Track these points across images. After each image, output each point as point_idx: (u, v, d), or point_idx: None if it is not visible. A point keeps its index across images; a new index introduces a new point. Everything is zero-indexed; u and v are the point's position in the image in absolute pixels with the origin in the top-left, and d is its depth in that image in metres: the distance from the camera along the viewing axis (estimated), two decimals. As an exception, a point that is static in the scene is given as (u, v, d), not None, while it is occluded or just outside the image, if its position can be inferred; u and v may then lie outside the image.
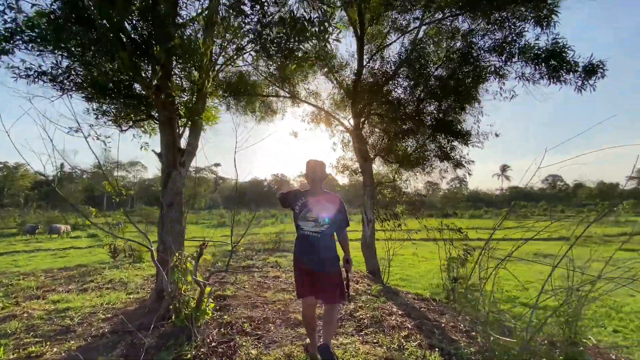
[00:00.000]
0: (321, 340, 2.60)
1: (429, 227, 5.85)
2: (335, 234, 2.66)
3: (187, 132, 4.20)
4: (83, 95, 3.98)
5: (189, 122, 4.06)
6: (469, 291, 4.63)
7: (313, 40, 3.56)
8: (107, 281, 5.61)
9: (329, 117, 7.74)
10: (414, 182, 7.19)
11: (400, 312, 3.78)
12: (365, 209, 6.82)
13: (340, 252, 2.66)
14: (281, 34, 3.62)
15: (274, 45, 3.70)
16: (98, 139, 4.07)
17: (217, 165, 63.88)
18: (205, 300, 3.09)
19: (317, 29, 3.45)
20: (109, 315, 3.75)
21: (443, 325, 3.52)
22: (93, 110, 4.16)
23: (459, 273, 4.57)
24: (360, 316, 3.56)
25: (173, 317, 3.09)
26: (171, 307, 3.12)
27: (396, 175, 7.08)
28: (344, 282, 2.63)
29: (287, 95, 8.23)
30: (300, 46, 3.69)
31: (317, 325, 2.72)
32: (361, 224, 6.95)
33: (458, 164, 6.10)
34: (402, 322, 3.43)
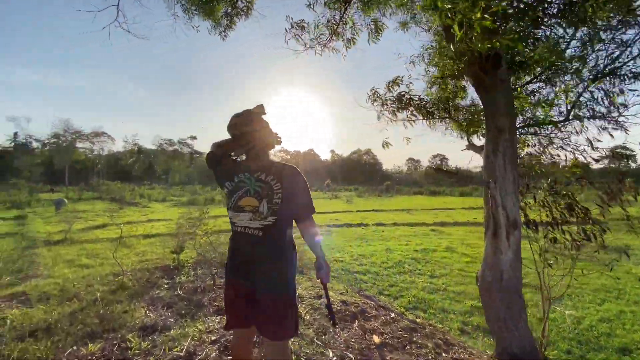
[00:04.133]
0: None
1: None
2: (294, 228, 1.59)
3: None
4: None
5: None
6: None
7: None
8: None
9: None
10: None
11: None
12: (500, 192, 2.56)
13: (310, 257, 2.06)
14: None
15: None
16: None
17: (192, 138, 61.51)
18: None
19: None
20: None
21: None
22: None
23: None
24: None
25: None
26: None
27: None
28: (327, 304, 1.59)
29: None
30: None
31: None
32: (483, 231, 2.71)
33: None
34: None
